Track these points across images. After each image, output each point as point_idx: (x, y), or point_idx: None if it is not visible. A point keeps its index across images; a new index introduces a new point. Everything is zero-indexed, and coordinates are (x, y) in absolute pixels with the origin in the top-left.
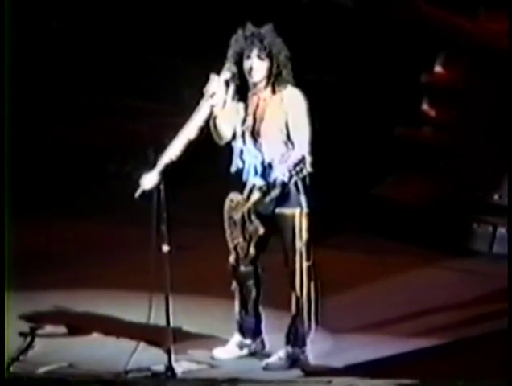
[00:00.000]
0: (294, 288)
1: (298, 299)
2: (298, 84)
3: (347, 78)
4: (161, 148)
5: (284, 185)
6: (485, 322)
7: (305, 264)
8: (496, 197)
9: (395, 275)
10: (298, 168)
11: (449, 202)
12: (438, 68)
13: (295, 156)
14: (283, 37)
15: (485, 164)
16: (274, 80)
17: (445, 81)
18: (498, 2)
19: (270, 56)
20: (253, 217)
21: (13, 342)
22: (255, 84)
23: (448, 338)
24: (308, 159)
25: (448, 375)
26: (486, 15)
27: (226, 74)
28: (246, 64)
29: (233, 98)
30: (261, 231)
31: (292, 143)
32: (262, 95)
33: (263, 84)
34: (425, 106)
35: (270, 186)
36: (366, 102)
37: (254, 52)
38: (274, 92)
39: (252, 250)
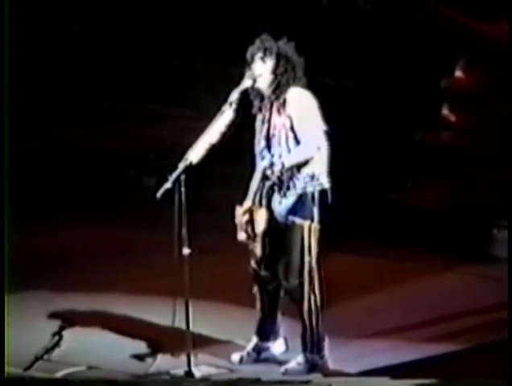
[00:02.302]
0: (297, 300)
1: (304, 311)
2: (317, 88)
3: (367, 83)
4: (181, 152)
5: (289, 187)
6: (504, 328)
7: (315, 279)
8: None
9: (414, 280)
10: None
11: (469, 207)
12: (458, 73)
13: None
14: (302, 41)
15: (504, 169)
16: (279, 81)
17: (465, 86)
18: None
19: (273, 59)
20: (259, 215)
21: (29, 343)
22: (262, 88)
23: (467, 344)
24: (323, 159)
25: (467, 379)
26: (506, 19)
27: (247, 82)
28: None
29: (255, 105)
30: (258, 229)
31: (299, 143)
32: (273, 98)
33: (269, 88)
34: (445, 111)
35: (280, 189)
36: (386, 107)
37: (256, 56)
38: (278, 94)
39: (258, 250)
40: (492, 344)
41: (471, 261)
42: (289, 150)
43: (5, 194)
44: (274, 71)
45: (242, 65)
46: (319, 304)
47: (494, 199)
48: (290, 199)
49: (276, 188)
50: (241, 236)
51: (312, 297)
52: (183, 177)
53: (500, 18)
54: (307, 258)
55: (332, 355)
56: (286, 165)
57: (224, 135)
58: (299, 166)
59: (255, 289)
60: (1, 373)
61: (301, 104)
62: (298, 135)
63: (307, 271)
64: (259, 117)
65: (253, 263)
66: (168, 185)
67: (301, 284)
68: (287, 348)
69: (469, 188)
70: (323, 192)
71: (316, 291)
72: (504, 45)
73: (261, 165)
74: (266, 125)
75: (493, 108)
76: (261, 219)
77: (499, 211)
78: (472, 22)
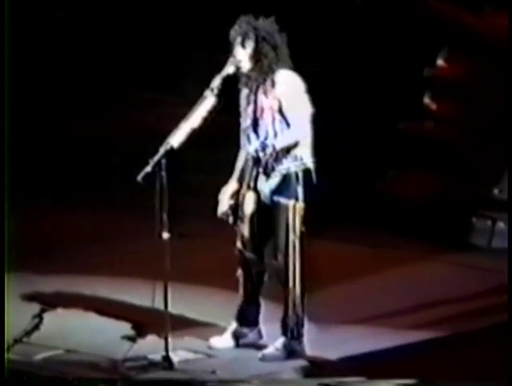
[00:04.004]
0: (283, 280)
1: (288, 292)
2: (301, 75)
3: (350, 71)
4: (165, 138)
5: (273, 168)
6: (483, 317)
7: (298, 258)
8: (496, 191)
9: (395, 268)
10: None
11: (449, 196)
12: (441, 63)
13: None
14: (287, 29)
15: (485, 158)
16: (260, 65)
17: (448, 76)
18: None
19: (251, 43)
20: (248, 197)
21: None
22: (246, 73)
23: (447, 332)
24: (308, 141)
25: (445, 368)
26: (490, 11)
27: (230, 68)
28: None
29: (241, 88)
30: (246, 211)
31: (289, 126)
32: (260, 81)
33: (252, 71)
34: (427, 100)
35: (264, 170)
36: (369, 96)
37: (236, 41)
38: (264, 77)
39: (246, 232)
40: (470, 333)
41: (450, 250)
42: (275, 132)
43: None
44: (254, 56)
45: (227, 51)
46: (302, 285)
47: (474, 187)
48: (274, 179)
49: (261, 169)
50: (222, 212)
51: (297, 277)
52: (163, 161)
53: (484, 10)
54: (291, 237)
55: (313, 341)
56: (278, 147)
57: (205, 120)
58: (288, 148)
59: (239, 272)
60: (1, 373)
61: (290, 86)
62: (287, 117)
63: (291, 250)
64: (245, 93)
65: (238, 244)
66: (148, 169)
67: (287, 263)
68: (261, 338)
69: (450, 177)
70: (307, 172)
71: (299, 271)
72: (487, 36)
73: (249, 146)
74: (252, 106)
75: (476, 98)
76: (249, 201)
77: (479, 200)
78: (455, 12)
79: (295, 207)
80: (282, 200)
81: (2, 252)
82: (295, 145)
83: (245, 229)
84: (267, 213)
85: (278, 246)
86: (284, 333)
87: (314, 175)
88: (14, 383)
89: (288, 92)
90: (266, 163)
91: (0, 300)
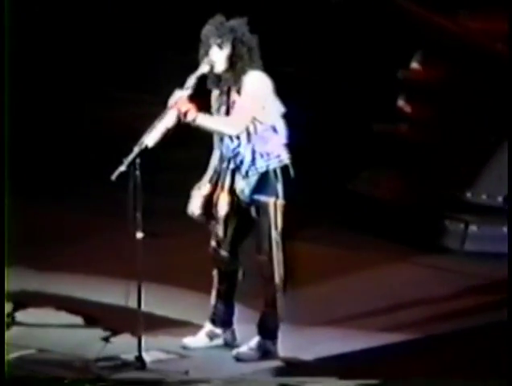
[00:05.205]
0: (265, 278)
1: (269, 290)
2: (274, 77)
3: (324, 73)
4: (138, 136)
5: (255, 170)
6: (454, 319)
7: (280, 255)
8: (469, 195)
9: (367, 270)
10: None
11: (422, 198)
12: (415, 65)
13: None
14: (261, 29)
15: (459, 161)
16: (235, 67)
17: (422, 78)
18: (477, 2)
19: (228, 44)
20: (221, 198)
21: None
22: (221, 74)
23: (418, 334)
24: (283, 138)
25: (416, 370)
26: (465, 14)
27: (205, 67)
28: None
29: (211, 88)
30: (221, 212)
31: (261, 125)
32: (231, 82)
33: (226, 72)
34: (401, 102)
35: (241, 170)
36: (343, 97)
37: (212, 41)
38: (236, 79)
39: (220, 232)
40: (441, 335)
41: (423, 252)
42: (248, 132)
43: None
44: (231, 58)
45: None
46: (284, 283)
47: (448, 190)
48: (252, 178)
49: (237, 169)
50: (192, 211)
51: (280, 274)
52: (138, 160)
53: (459, 13)
54: (273, 234)
55: (285, 342)
56: (252, 146)
57: (180, 119)
58: (260, 146)
59: (214, 272)
60: (1, 372)
61: (260, 86)
62: (258, 117)
63: (274, 247)
64: (216, 94)
65: (213, 243)
66: (123, 168)
67: (270, 259)
68: (235, 340)
69: (423, 179)
70: (285, 168)
71: (283, 268)
72: (461, 39)
73: (223, 147)
74: (224, 107)
75: (449, 101)
76: (223, 202)
77: (452, 203)
78: (431, 15)
79: (275, 205)
80: (263, 198)
81: (1, 252)
82: (270, 143)
83: (219, 230)
84: (246, 212)
85: (261, 243)
86: (260, 332)
87: (292, 171)
88: (13, 383)
89: (258, 92)
90: (242, 162)
91: (0, 301)
